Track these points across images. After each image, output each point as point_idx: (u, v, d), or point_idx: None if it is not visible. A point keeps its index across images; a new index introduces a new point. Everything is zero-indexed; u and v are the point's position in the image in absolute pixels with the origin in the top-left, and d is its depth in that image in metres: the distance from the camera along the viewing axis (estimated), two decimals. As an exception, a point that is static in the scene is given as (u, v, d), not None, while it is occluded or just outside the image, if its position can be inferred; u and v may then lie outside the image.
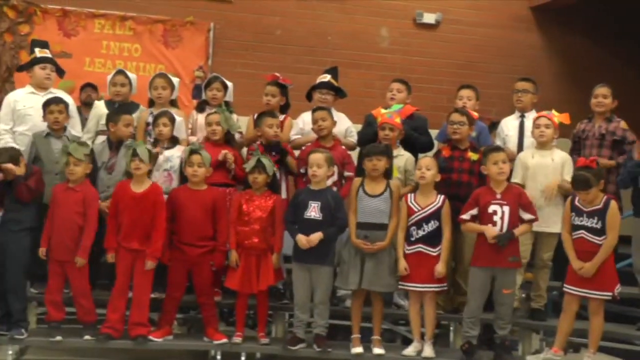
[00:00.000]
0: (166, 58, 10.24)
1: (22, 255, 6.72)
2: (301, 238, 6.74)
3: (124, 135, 7.19)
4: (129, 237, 6.75)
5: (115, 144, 7.22)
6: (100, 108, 7.70)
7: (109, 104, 7.71)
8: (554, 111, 7.31)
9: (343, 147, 7.56)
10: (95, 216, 6.78)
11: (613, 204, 6.52)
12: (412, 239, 6.82)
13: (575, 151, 7.71)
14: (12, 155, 6.75)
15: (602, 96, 7.71)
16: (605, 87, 7.75)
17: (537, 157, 7.25)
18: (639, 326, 7.31)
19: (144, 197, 6.77)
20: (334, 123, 7.48)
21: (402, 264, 6.77)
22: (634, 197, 7.26)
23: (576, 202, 6.59)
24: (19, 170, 6.67)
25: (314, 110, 7.54)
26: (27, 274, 6.85)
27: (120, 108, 7.47)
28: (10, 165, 6.64)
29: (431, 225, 6.79)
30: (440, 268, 6.73)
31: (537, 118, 7.31)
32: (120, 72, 7.96)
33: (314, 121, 7.43)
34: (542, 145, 7.27)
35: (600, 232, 6.48)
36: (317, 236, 6.73)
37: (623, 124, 7.65)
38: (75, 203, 6.73)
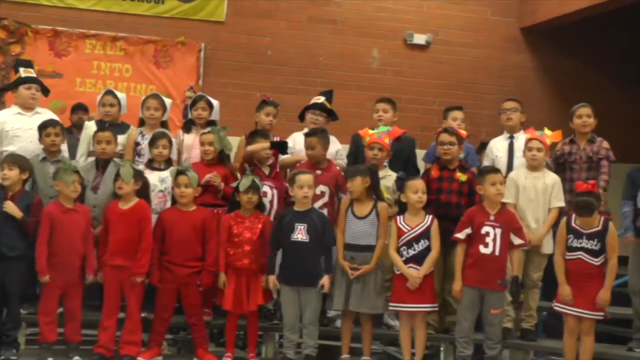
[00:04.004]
0: (157, 78, 10.25)
1: (21, 281, 6.69)
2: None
3: (97, 153, 7.21)
4: (114, 254, 6.75)
5: (101, 163, 7.20)
6: (90, 128, 7.59)
7: (100, 124, 7.64)
8: (546, 130, 7.33)
9: (337, 167, 7.54)
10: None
11: (612, 225, 6.56)
12: (403, 258, 6.80)
13: (559, 173, 7.59)
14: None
15: (586, 116, 7.65)
16: (588, 106, 7.70)
17: (529, 179, 7.25)
18: (630, 347, 7.29)
19: (130, 214, 6.78)
20: (326, 149, 7.39)
21: (408, 271, 6.74)
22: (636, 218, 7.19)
23: (573, 224, 6.61)
24: (18, 213, 6.61)
25: (307, 135, 7.48)
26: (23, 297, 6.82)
27: (108, 128, 7.42)
28: (15, 210, 6.60)
29: (421, 245, 6.80)
30: (417, 279, 6.70)
31: (529, 140, 7.30)
32: (109, 92, 7.92)
33: (306, 146, 7.38)
34: (533, 168, 7.28)
35: (598, 253, 6.52)
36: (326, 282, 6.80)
37: (606, 144, 7.60)
38: (77, 224, 6.72)
